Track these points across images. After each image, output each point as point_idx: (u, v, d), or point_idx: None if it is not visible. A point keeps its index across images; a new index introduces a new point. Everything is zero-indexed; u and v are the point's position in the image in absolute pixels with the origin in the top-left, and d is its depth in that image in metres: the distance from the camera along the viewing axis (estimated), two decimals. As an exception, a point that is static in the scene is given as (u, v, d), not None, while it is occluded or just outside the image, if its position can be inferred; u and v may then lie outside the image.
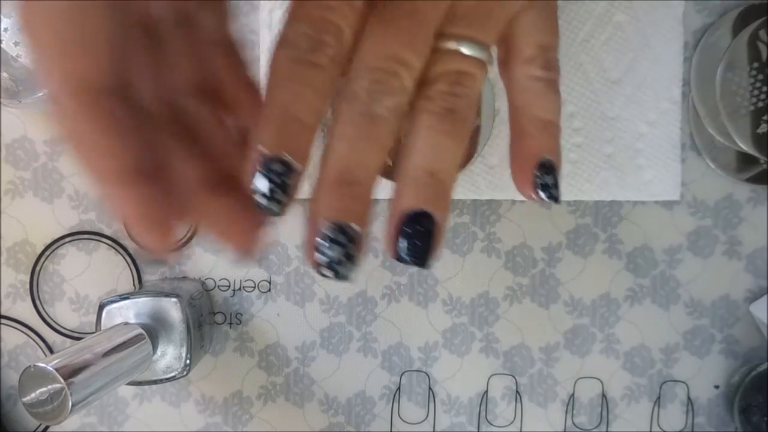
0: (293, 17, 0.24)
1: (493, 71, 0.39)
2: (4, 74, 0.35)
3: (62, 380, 0.27)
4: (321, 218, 0.25)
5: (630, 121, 0.39)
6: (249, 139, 0.24)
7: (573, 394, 0.41)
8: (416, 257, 0.25)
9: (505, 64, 0.29)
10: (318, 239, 0.24)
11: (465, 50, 0.26)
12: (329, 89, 0.24)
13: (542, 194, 0.27)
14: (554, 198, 0.27)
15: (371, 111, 0.25)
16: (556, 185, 0.27)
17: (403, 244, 0.25)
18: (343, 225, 0.25)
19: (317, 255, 0.24)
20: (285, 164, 0.24)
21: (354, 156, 0.25)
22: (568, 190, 0.40)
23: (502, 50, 0.29)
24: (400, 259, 0.25)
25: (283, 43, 0.24)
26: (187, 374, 0.35)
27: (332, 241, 0.25)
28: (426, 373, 0.41)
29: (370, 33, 0.24)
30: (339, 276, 0.24)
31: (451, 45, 0.25)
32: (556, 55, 0.28)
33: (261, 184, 0.24)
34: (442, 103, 0.25)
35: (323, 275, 0.24)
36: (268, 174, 0.24)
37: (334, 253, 0.24)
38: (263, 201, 0.24)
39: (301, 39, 0.24)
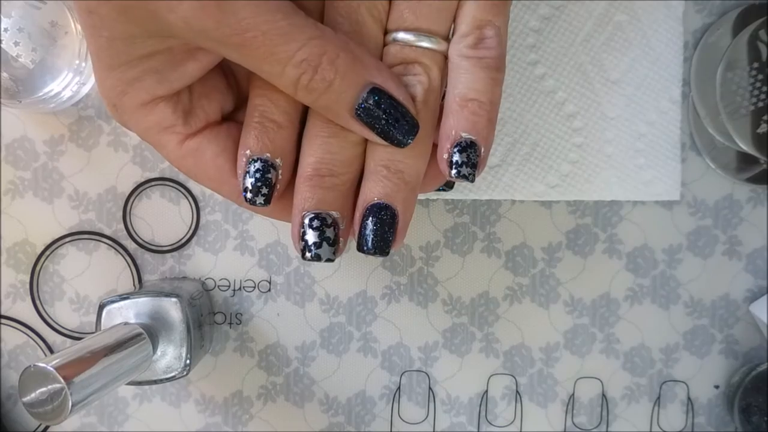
0: None
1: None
2: (4, 74, 0.35)
3: (62, 380, 0.27)
4: (300, 209, 0.27)
5: (630, 121, 0.39)
6: None
7: (573, 394, 0.41)
8: (379, 245, 0.28)
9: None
10: (299, 228, 0.27)
11: (409, 39, 0.27)
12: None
13: (453, 172, 0.28)
14: (465, 177, 0.27)
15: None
16: (469, 164, 0.27)
17: (367, 230, 0.28)
18: (319, 213, 0.27)
19: (300, 242, 0.27)
20: (267, 163, 0.27)
21: (325, 150, 0.27)
22: (568, 190, 0.40)
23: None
24: (364, 247, 0.28)
25: None
26: (187, 374, 0.35)
27: (312, 228, 0.27)
28: (426, 373, 0.41)
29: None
30: (320, 259, 0.27)
31: (396, 35, 0.27)
32: (495, 32, 0.27)
33: (249, 182, 0.27)
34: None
35: (307, 259, 0.27)
36: (255, 173, 0.27)
37: (313, 238, 0.27)
38: (252, 198, 0.27)
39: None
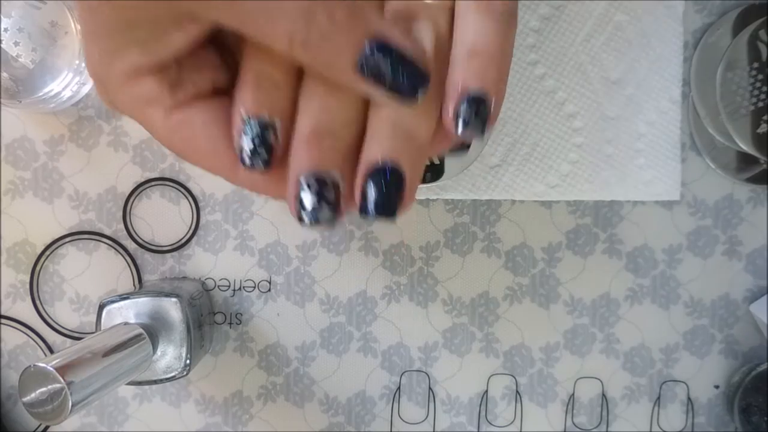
0: None
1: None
2: (4, 74, 0.35)
3: (62, 380, 0.27)
4: (298, 170, 0.25)
5: (630, 121, 0.39)
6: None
7: (573, 394, 0.41)
8: (385, 208, 0.26)
9: None
10: (296, 190, 0.25)
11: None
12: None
13: (460, 129, 0.25)
14: (474, 133, 0.25)
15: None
16: (478, 119, 0.25)
17: (370, 192, 0.25)
18: (317, 173, 0.25)
19: (297, 205, 0.25)
20: (264, 123, 0.25)
21: (325, 110, 0.25)
22: (568, 190, 0.40)
23: None
24: (365, 210, 0.25)
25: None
26: (187, 374, 0.35)
27: (310, 189, 0.25)
28: (426, 373, 0.41)
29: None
30: (319, 221, 0.25)
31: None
32: None
33: (245, 142, 0.25)
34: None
35: (304, 223, 0.25)
36: (252, 135, 0.25)
37: (311, 201, 0.25)
38: (248, 161, 0.25)
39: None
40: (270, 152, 0.25)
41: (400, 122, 0.25)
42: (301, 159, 0.25)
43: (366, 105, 0.26)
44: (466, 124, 0.25)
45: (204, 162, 0.27)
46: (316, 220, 0.25)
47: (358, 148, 0.26)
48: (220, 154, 0.26)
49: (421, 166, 0.26)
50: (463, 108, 0.25)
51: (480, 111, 0.25)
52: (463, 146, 0.30)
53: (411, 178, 0.26)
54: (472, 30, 0.25)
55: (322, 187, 0.25)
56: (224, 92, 0.28)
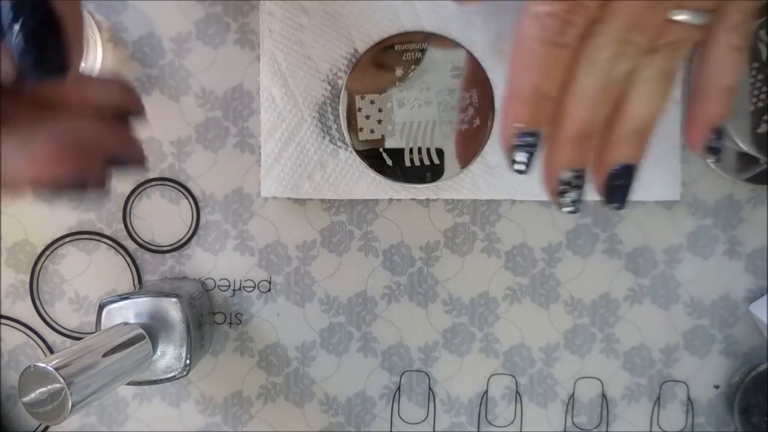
0: None
1: (495, 70, 0.39)
2: (4, 74, 0.35)
3: (62, 380, 0.27)
4: (561, 168, 0.30)
5: (630, 121, 0.39)
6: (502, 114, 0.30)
7: (573, 394, 0.41)
8: (622, 202, 0.31)
9: (706, 27, 0.30)
10: (561, 186, 0.30)
11: (691, 19, 0.29)
12: (572, 63, 0.29)
13: (710, 156, 0.32)
14: (717, 156, 0.32)
15: (609, 76, 0.29)
16: (721, 147, 0.31)
17: (614, 192, 0.31)
18: (581, 172, 0.30)
19: (561, 198, 0.30)
20: (536, 136, 0.29)
21: (590, 116, 0.29)
22: (568, 190, 0.40)
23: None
24: (608, 202, 0.32)
25: (533, 24, 0.28)
26: (187, 374, 0.35)
27: (571, 184, 0.30)
28: (426, 373, 0.41)
29: (614, 15, 0.28)
30: (577, 210, 0.31)
31: (677, 16, 0.29)
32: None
33: (520, 156, 0.29)
34: (660, 71, 0.30)
35: (568, 212, 0.31)
36: (525, 146, 0.29)
37: (573, 194, 0.30)
38: (522, 169, 0.30)
39: (551, 20, 0.27)
40: (532, 160, 0.30)
41: (646, 128, 0.30)
42: (566, 158, 0.30)
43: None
44: (714, 151, 0.31)
45: None
46: (576, 210, 0.31)
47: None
48: None
49: None
50: (714, 139, 0.31)
51: (722, 138, 0.31)
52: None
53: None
54: (729, 71, 0.30)
55: (579, 181, 0.30)
56: None
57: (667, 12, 0.29)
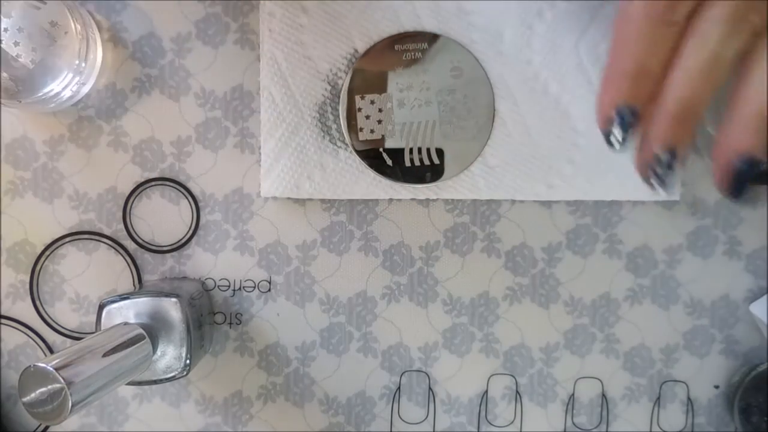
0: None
1: (495, 70, 0.39)
2: (4, 74, 0.35)
3: (62, 380, 0.27)
4: (658, 143, 0.29)
5: (630, 121, 0.39)
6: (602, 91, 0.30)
7: (573, 394, 0.41)
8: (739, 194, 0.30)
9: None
10: (653, 162, 0.29)
11: None
12: (680, 41, 0.28)
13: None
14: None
15: (720, 55, 0.28)
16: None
17: (736, 185, 0.30)
18: (676, 151, 0.29)
19: (650, 172, 0.30)
20: (635, 113, 0.29)
21: (696, 95, 0.28)
22: (568, 190, 0.40)
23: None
24: (730, 194, 0.30)
25: None
26: (187, 374, 0.35)
27: (664, 163, 0.29)
28: (426, 373, 0.41)
29: None
30: (666, 188, 0.30)
31: None
32: None
33: (617, 131, 0.29)
34: None
35: (653, 187, 0.30)
36: (623, 123, 0.29)
37: (664, 171, 0.29)
38: (617, 146, 0.30)
39: None
40: (628, 138, 0.29)
41: (763, 116, 0.28)
42: (665, 134, 0.29)
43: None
44: None
45: None
46: (665, 188, 0.30)
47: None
48: None
49: None
50: None
51: None
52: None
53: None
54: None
55: (675, 161, 0.29)
56: None
57: None
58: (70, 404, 0.27)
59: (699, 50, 0.28)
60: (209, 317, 0.39)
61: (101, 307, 0.35)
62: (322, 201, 0.40)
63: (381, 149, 0.38)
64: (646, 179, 0.30)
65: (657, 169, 0.29)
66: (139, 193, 0.40)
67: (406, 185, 0.39)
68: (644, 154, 0.30)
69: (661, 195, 0.30)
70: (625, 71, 0.29)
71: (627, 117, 0.29)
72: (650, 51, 0.28)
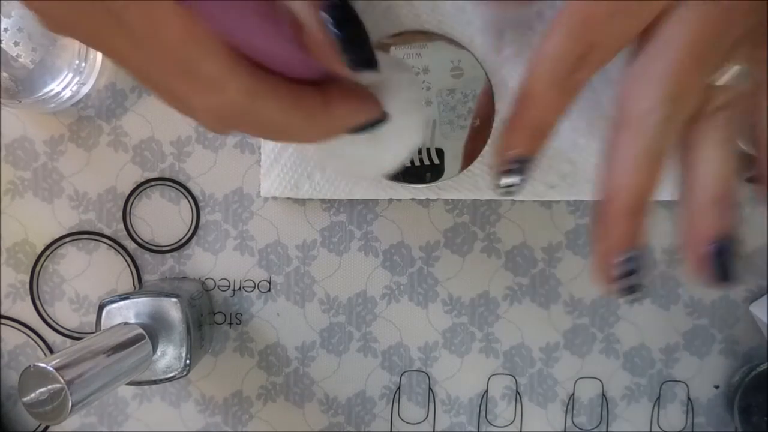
0: (558, 29, 0.26)
1: (495, 70, 0.39)
2: (4, 74, 0.35)
3: (62, 380, 0.27)
4: (617, 249, 0.28)
5: (630, 121, 0.39)
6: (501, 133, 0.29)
7: (573, 394, 0.41)
8: (728, 277, 0.28)
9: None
10: (616, 269, 0.28)
11: (742, 79, 0.28)
12: (574, 102, 0.28)
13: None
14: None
15: (656, 147, 0.27)
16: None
17: (717, 270, 0.28)
18: (638, 253, 0.28)
19: (616, 284, 0.28)
20: (528, 163, 0.28)
21: (640, 187, 0.28)
22: (568, 190, 0.40)
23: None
24: (712, 281, 0.28)
25: (547, 55, 0.27)
26: (187, 374, 0.35)
27: (629, 270, 0.28)
28: (426, 373, 0.41)
29: (668, 64, 0.27)
30: (637, 299, 0.29)
31: (730, 75, 0.28)
32: None
33: (509, 180, 0.28)
34: (725, 132, 0.28)
35: (623, 299, 0.28)
36: (517, 172, 0.28)
37: (633, 280, 0.28)
38: (508, 192, 0.29)
39: (566, 56, 0.27)
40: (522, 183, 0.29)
41: (723, 197, 0.28)
42: (620, 236, 0.28)
43: None
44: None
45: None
46: (638, 299, 0.30)
47: None
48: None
49: None
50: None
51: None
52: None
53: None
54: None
55: (640, 263, 0.28)
56: None
57: (708, 78, 0.27)
58: (70, 404, 0.27)
59: (636, 145, 0.27)
60: (209, 317, 0.39)
61: (101, 307, 0.35)
62: (322, 201, 0.40)
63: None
64: (612, 290, 0.28)
65: (620, 276, 0.28)
66: (139, 193, 0.40)
67: (406, 185, 0.39)
68: (601, 262, 0.28)
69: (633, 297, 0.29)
70: (523, 128, 0.28)
71: (523, 166, 0.28)
72: (548, 112, 0.28)
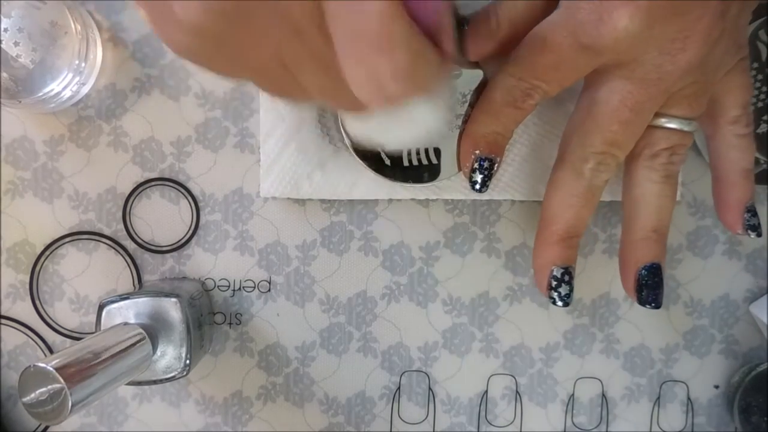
0: (515, 63, 0.33)
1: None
2: (4, 74, 0.35)
3: (62, 380, 0.27)
4: (551, 265, 0.34)
5: (630, 121, 0.39)
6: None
7: (573, 394, 0.41)
8: (657, 302, 0.35)
9: (710, 119, 0.34)
10: (552, 281, 0.34)
11: (680, 127, 0.33)
12: (523, 119, 0.34)
13: (751, 233, 0.35)
14: (759, 234, 0.35)
15: (593, 185, 0.33)
16: (757, 221, 0.35)
17: (645, 293, 0.35)
18: (570, 269, 0.34)
19: (552, 293, 0.34)
20: (492, 162, 0.35)
21: (578, 218, 0.34)
22: (568, 190, 0.40)
23: (708, 108, 0.34)
24: (643, 303, 0.35)
25: (500, 84, 0.34)
26: (187, 374, 0.35)
27: (562, 281, 0.34)
28: (426, 373, 0.41)
29: (599, 123, 0.32)
30: (567, 304, 0.34)
31: (668, 123, 0.33)
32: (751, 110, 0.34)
33: (477, 177, 0.35)
34: (664, 173, 0.33)
35: (555, 304, 0.34)
36: (482, 170, 0.34)
37: (564, 290, 0.34)
38: (479, 189, 0.35)
39: (518, 85, 0.33)
40: (490, 181, 0.35)
41: (663, 228, 0.34)
42: (556, 255, 0.34)
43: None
44: (752, 227, 0.35)
45: None
46: (567, 304, 0.34)
47: None
48: None
49: None
50: (749, 217, 0.35)
51: (756, 215, 0.35)
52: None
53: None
54: (743, 156, 0.35)
55: (569, 276, 0.34)
56: None
57: (652, 120, 0.32)
58: (70, 404, 0.27)
59: (577, 185, 0.33)
60: (209, 317, 0.39)
61: (101, 307, 0.35)
62: (322, 201, 0.40)
63: (380, 149, 0.38)
64: (547, 295, 0.35)
65: (558, 289, 0.34)
66: (139, 193, 0.40)
67: (406, 185, 0.39)
68: (540, 273, 0.35)
69: (565, 306, 0.35)
70: (481, 139, 0.34)
71: (485, 165, 0.34)
72: (503, 128, 0.34)
